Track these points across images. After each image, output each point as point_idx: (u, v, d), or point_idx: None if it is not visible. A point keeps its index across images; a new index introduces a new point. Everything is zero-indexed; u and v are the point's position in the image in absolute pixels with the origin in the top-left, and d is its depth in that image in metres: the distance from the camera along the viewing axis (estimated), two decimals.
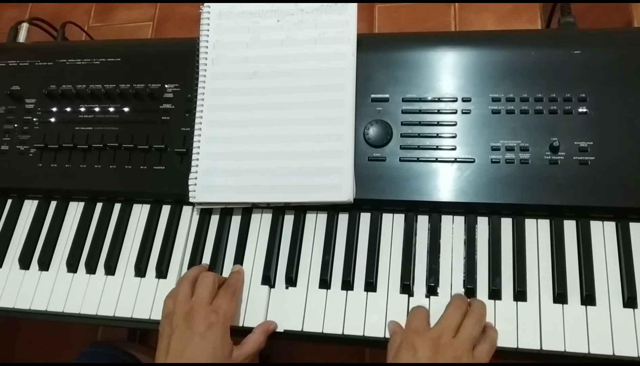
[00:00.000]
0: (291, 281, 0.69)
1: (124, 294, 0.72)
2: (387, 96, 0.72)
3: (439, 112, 0.71)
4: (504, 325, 0.63)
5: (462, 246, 0.68)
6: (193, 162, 0.73)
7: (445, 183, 0.68)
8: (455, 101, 0.71)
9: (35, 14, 1.13)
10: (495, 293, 0.64)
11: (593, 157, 0.66)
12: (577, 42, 0.71)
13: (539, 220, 0.68)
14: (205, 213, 0.75)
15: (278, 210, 0.73)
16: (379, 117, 0.72)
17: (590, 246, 0.65)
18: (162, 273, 0.72)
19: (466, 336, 0.58)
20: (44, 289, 0.74)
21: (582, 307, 0.63)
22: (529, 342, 0.61)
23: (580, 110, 0.68)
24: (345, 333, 0.65)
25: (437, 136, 0.70)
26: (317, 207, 0.72)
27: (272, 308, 0.68)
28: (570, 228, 0.67)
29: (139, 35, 1.61)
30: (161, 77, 0.79)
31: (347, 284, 0.67)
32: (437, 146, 0.69)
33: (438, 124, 0.70)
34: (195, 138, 0.74)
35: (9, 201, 0.81)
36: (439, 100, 0.71)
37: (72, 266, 0.74)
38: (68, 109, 0.80)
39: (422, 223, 0.70)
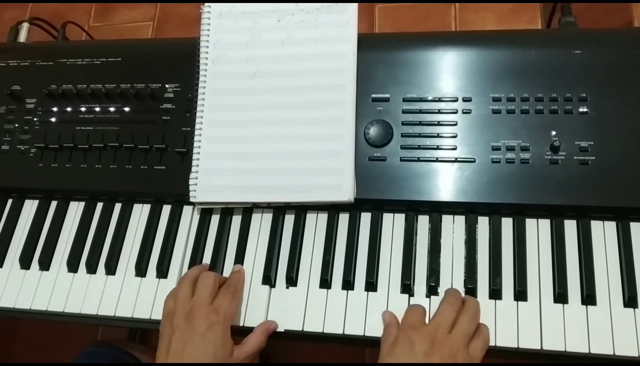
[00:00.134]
0: (292, 280, 0.69)
1: (124, 294, 0.72)
2: (387, 95, 0.72)
3: (439, 112, 0.71)
4: (504, 324, 0.63)
5: (462, 245, 0.68)
6: (194, 162, 0.73)
7: (445, 182, 0.68)
8: (456, 100, 0.71)
9: (35, 14, 1.13)
10: (495, 293, 0.64)
11: (594, 157, 0.66)
12: (577, 42, 0.71)
13: (540, 220, 0.68)
14: (206, 213, 0.75)
15: (279, 210, 0.73)
16: (379, 117, 0.72)
17: (591, 245, 0.65)
18: (162, 272, 0.72)
19: (461, 332, 0.59)
20: (45, 289, 0.74)
21: (582, 307, 0.63)
22: (529, 342, 0.62)
23: (580, 110, 0.68)
24: (345, 332, 0.65)
25: (438, 135, 0.70)
26: (317, 207, 0.72)
27: (273, 308, 0.68)
28: (570, 227, 0.67)
29: (139, 35, 1.61)
30: (162, 77, 0.79)
31: (348, 284, 0.67)
32: (437, 146, 0.69)
33: (439, 123, 0.70)
34: (195, 138, 0.74)
35: (10, 201, 0.81)
36: (440, 100, 0.71)
37: (72, 266, 0.74)
38: (69, 109, 0.80)
39: (423, 222, 0.70)
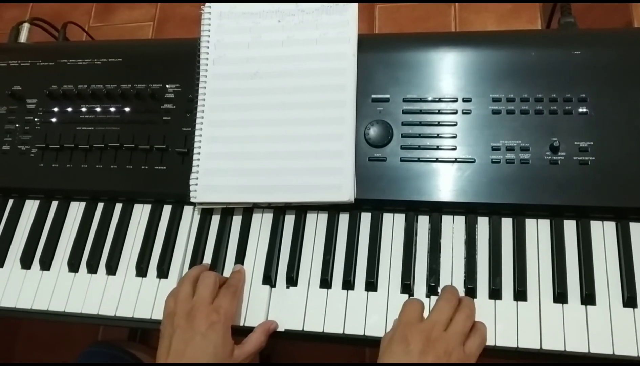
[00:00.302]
0: (292, 280, 0.69)
1: (125, 294, 0.72)
2: (387, 96, 0.72)
3: (439, 112, 0.71)
4: (504, 324, 0.63)
5: (462, 245, 0.68)
6: (194, 162, 0.73)
7: (445, 182, 0.68)
8: (456, 101, 0.71)
9: (36, 14, 1.13)
10: (495, 293, 0.64)
11: (593, 158, 0.66)
12: (577, 42, 0.71)
13: (539, 220, 0.68)
14: (206, 213, 0.75)
15: (279, 210, 0.73)
16: (379, 117, 0.72)
17: (590, 246, 0.65)
18: (163, 272, 0.72)
19: (457, 330, 0.59)
20: (45, 289, 0.74)
21: (582, 307, 0.63)
22: (529, 342, 0.62)
23: (580, 110, 0.68)
24: (345, 332, 0.65)
25: (438, 136, 0.70)
26: (317, 207, 0.72)
27: (273, 308, 0.68)
28: (570, 227, 0.67)
29: (140, 36, 1.61)
30: (162, 77, 0.79)
31: (348, 284, 0.68)
32: (437, 146, 0.70)
33: (438, 124, 0.70)
34: (196, 138, 0.74)
35: (11, 201, 0.81)
36: (440, 100, 0.71)
37: (73, 266, 0.75)
38: (69, 109, 0.80)
39: (423, 222, 0.70)
